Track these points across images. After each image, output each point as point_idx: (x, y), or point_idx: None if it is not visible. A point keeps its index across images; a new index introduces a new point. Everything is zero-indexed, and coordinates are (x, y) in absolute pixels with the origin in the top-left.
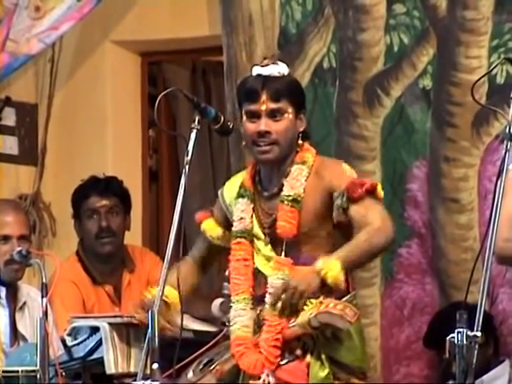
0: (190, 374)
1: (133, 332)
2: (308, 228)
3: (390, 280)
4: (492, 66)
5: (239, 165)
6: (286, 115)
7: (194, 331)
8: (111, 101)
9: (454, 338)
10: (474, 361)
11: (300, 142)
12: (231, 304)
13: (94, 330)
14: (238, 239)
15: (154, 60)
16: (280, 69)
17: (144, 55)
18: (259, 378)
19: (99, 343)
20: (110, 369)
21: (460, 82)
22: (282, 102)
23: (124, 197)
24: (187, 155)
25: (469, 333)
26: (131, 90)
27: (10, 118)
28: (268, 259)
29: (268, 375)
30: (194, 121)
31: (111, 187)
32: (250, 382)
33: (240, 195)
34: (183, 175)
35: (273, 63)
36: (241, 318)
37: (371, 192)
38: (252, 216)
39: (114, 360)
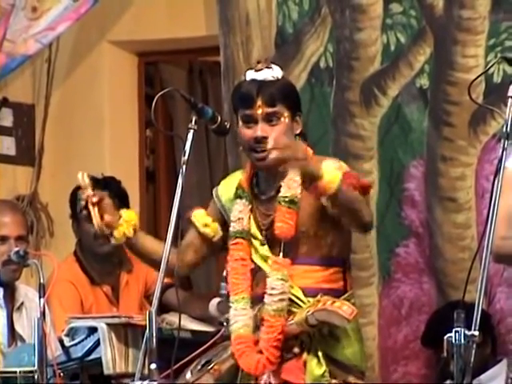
0: (188, 375)
1: (131, 332)
2: (305, 228)
3: (387, 279)
4: (489, 65)
5: (236, 165)
6: (282, 119)
7: (192, 331)
8: (108, 101)
9: (451, 337)
10: (472, 360)
11: None
12: (231, 304)
13: (92, 330)
14: (236, 239)
15: (151, 60)
16: (274, 73)
17: (141, 55)
18: (257, 379)
19: (97, 343)
20: (108, 369)
21: (457, 81)
22: (278, 106)
23: (122, 197)
24: (184, 155)
25: (466, 332)
26: (128, 90)
27: (7, 118)
28: (265, 259)
29: (269, 376)
30: (191, 121)
31: (110, 187)
32: (251, 382)
33: (238, 196)
34: (180, 175)
35: (267, 67)
36: (241, 317)
37: (365, 187)
38: (250, 217)
39: (111, 360)
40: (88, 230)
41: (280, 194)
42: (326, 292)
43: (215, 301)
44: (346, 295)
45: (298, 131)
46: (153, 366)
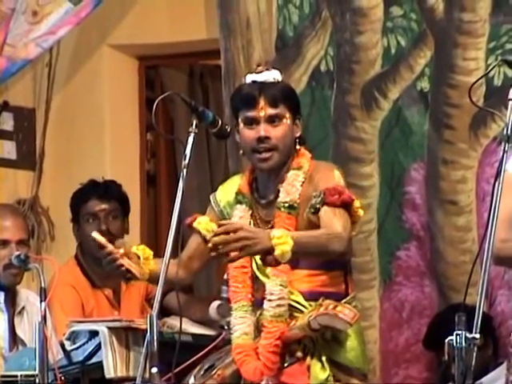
0: (192, 380)
1: (132, 336)
2: (306, 229)
3: (388, 283)
4: (489, 67)
5: (237, 168)
6: (284, 120)
7: (193, 335)
8: (109, 105)
9: (452, 340)
10: (473, 363)
11: (297, 147)
12: (231, 312)
13: (93, 334)
14: None
15: (152, 64)
16: (274, 75)
17: (141, 59)
18: None
19: (98, 347)
20: (109, 373)
21: (457, 84)
22: (280, 107)
23: (123, 201)
24: (185, 159)
25: (467, 335)
26: (129, 94)
27: (7, 122)
28: (263, 269)
29: (268, 382)
30: (192, 124)
31: (110, 191)
32: None
33: (238, 202)
34: (181, 179)
35: (267, 69)
36: (240, 325)
37: (346, 203)
38: (250, 223)
39: (113, 364)
40: (89, 234)
41: (279, 200)
42: (327, 295)
43: (215, 304)
44: (348, 298)
45: (297, 134)
46: (154, 369)
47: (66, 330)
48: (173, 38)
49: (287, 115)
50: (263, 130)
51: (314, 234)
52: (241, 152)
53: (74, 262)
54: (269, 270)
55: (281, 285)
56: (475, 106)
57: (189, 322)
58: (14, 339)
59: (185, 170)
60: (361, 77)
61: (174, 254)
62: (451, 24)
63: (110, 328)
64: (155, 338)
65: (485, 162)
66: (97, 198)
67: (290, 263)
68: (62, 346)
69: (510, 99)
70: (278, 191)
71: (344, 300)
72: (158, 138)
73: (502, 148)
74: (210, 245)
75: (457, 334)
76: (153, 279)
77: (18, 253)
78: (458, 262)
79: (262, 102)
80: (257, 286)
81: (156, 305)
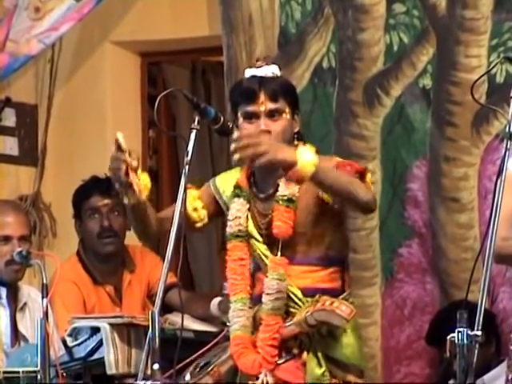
0: (188, 377)
1: (133, 332)
2: (303, 227)
3: (390, 280)
4: (491, 65)
5: (239, 164)
6: (283, 115)
7: (195, 331)
8: (111, 101)
9: (454, 337)
10: (475, 360)
11: (296, 142)
12: (230, 304)
13: (95, 330)
14: (234, 241)
15: (154, 60)
16: (274, 69)
17: (144, 55)
18: (257, 378)
19: (100, 344)
20: (111, 369)
21: (460, 81)
22: (280, 102)
23: None
24: (187, 155)
25: (469, 332)
26: (131, 90)
27: (9, 118)
28: (265, 256)
29: (266, 375)
30: (194, 121)
31: (113, 187)
32: (249, 382)
33: (236, 195)
34: (183, 175)
35: (266, 64)
36: (239, 318)
37: (360, 171)
38: (247, 216)
39: (114, 360)
40: (91, 230)
41: (278, 193)
42: (324, 292)
43: (216, 300)
44: (345, 294)
45: (296, 129)
46: (155, 366)
47: (67, 327)
48: (175, 34)
49: (287, 110)
50: (263, 124)
51: (340, 173)
52: None
53: (76, 259)
54: (267, 260)
55: (278, 278)
56: (477, 104)
57: (190, 318)
58: (16, 335)
59: (187, 167)
60: (363, 74)
61: (177, 250)
62: (453, 21)
63: (111, 324)
64: (157, 334)
65: (487, 159)
66: (99, 193)
67: (288, 258)
68: (64, 342)
69: None
70: (278, 186)
71: (341, 296)
72: (160, 135)
73: (504, 145)
74: (232, 147)
75: (458, 331)
76: (138, 208)
77: (19, 249)
78: (460, 260)
79: (262, 97)
80: (254, 281)
81: (158, 301)
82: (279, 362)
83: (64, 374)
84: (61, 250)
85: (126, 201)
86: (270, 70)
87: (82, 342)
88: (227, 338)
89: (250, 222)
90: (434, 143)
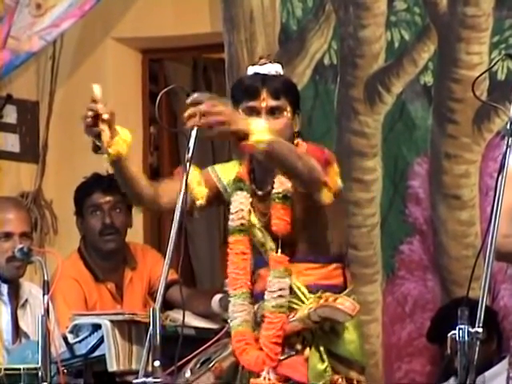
0: (188, 373)
1: (134, 329)
2: (302, 224)
3: (391, 277)
4: (493, 62)
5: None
6: (284, 113)
7: (196, 328)
8: (112, 98)
9: (455, 334)
10: (476, 357)
11: (295, 141)
12: (230, 299)
13: (96, 327)
14: (236, 234)
15: (155, 57)
16: (277, 68)
17: (145, 52)
18: (258, 375)
19: (101, 341)
20: (112, 366)
21: (461, 78)
22: (282, 100)
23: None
24: (188, 152)
25: (470, 329)
26: (132, 87)
27: (11, 115)
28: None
29: (269, 372)
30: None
31: (115, 184)
32: (251, 379)
33: (239, 188)
34: (184, 172)
35: (269, 62)
36: (240, 313)
37: (325, 159)
38: (250, 211)
39: (115, 357)
40: (93, 227)
41: (273, 191)
42: (326, 289)
43: (217, 297)
44: (347, 291)
45: (296, 129)
46: (156, 363)
47: (68, 323)
48: (176, 31)
49: (288, 108)
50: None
51: (292, 146)
52: None
53: (77, 256)
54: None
55: (280, 276)
56: (479, 101)
57: (191, 315)
58: (17, 332)
59: (188, 164)
60: (364, 71)
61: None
62: (455, 18)
63: (112, 321)
64: (158, 331)
65: (488, 156)
66: (101, 190)
67: (290, 255)
68: (65, 339)
69: None
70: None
71: (343, 293)
72: (162, 131)
73: (506, 142)
74: (186, 113)
75: (460, 329)
76: (116, 163)
77: (20, 246)
78: (461, 257)
79: (264, 94)
80: (254, 278)
81: (159, 298)
82: (282, 357)
83: (65, 371)
84: (62, 246)
85: (103, 154)
86: (274, 69)
87: (83, 339)
88: (228, 335)
89: (253, 214)
90: (435, 140)
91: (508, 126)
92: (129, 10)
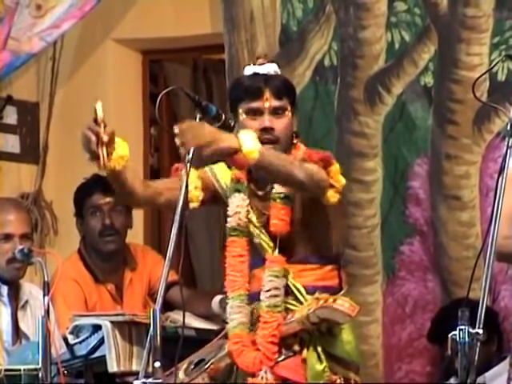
0: (182, 375)
1: (135, 330)
2: (301, 225)
3: (391, 277)
4: (493, 63)
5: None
6: (286, 113)
7: (196, 329)
8: (112, 99)
9: (455, 335)
10: (476, 358)
11: (294, 140)
12: (228, 301)
13: (96, 328)
14: (233, 237)
15: (156, 58)
16: (275, 67)
17: (145, 53)
18: (254, 375)
19: (101, 341)
20: (112, 367)
21: (461, 79)
22: (284, 99)
23: None
24: (188, 153)
25: (471, 330)
26: (132, 88)
27: (11, 116)
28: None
29: (266, 372)
30: (196, 119)
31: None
32: (248, 379)
33: (236, 190)
34: (184, 173)
35: (267, 62)
36: (237, 315)
37: (322, 159)
38: (248, 211)
39: (116, 358)
40: (93, 228)
41: (274, 191)
42: (322, 290)
43: (217, 298)
44: (342, 292)
45: (295, 128)
46: (157, 364)
47: (69, 324)
48: (177, 32)
49: (289, 108)
50: (267, 120)
51: (284, 156)
52: None
53: (77, 257)
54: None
55: (275, 275)
56: (479, 101)
57: (192, 316)
58: (17, 333)
59: (188, 165)
60: (364, 72)
61: (178, 248)
62: (455, 19)
63: (113, 322)
64: (158, 332)
65: (488, 157)
66: (101, 191)
67: (287, 256)
68: (65, 340)
69: None
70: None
71: (339, 294)
72: (162, 133)
73: (506, 143)
74: (177, 139)
75: (460, 329)
76: (111, 176)
77: (21, 247)
78: (462, 257)
79: (267, 94)
80: (250, 278)
81: (159, 299)
82: (279, 359)
83: (65, 372)
84: (62, 247)
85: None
86: (273, 68)
87: (83, 340)
88: (225, 336)
89: (251, 214)
90: (435, 141)
91: (508, 127)
92: (129, 11)
